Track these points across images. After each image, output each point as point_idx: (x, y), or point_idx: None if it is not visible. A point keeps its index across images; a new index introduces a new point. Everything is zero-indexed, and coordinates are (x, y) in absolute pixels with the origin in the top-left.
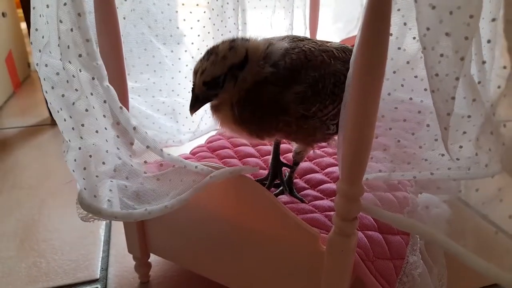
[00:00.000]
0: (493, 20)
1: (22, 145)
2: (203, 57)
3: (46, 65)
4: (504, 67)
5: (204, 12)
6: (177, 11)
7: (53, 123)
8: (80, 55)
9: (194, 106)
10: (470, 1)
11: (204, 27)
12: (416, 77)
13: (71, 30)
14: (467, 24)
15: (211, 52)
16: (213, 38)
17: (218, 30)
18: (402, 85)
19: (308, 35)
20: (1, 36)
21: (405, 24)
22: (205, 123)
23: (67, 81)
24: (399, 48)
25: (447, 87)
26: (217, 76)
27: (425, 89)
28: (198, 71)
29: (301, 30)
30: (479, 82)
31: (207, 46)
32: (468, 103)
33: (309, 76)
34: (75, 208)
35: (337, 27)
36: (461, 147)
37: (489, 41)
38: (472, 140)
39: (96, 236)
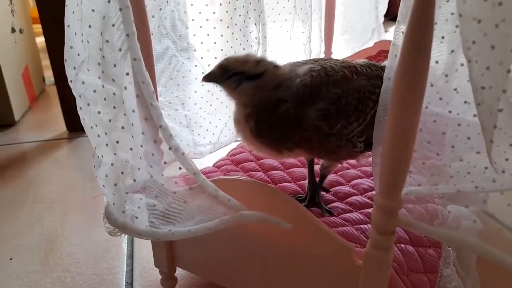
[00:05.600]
0: None
1: (40, 159)
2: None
3: (83, 83)
4: None
5: (228, 27)
6: (201, 26)
7: (70, 137)
8: (127, 74)
9: (211, 76)
10: None
11: (227, 41)
12: (455, 89)
13: (120, 50)
14: None
15: (247, 54)
16: (235, 52)
17: (240, 44)
18: (441, 98)
19: (323, 47)
20: (18, 52)
21: (443, 37)
22: (225, 135)
23: (105, 99)
24: (436, 62)
25: (491, 99)
26: (228, 68)
27: (465, 102)
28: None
29: (317, 43)
30: None
31: None
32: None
33: (331, 92)
34: (97, 222)
35: (350, 38)
36: (507, 159)
37: None
38: None
39: (119, 250)
